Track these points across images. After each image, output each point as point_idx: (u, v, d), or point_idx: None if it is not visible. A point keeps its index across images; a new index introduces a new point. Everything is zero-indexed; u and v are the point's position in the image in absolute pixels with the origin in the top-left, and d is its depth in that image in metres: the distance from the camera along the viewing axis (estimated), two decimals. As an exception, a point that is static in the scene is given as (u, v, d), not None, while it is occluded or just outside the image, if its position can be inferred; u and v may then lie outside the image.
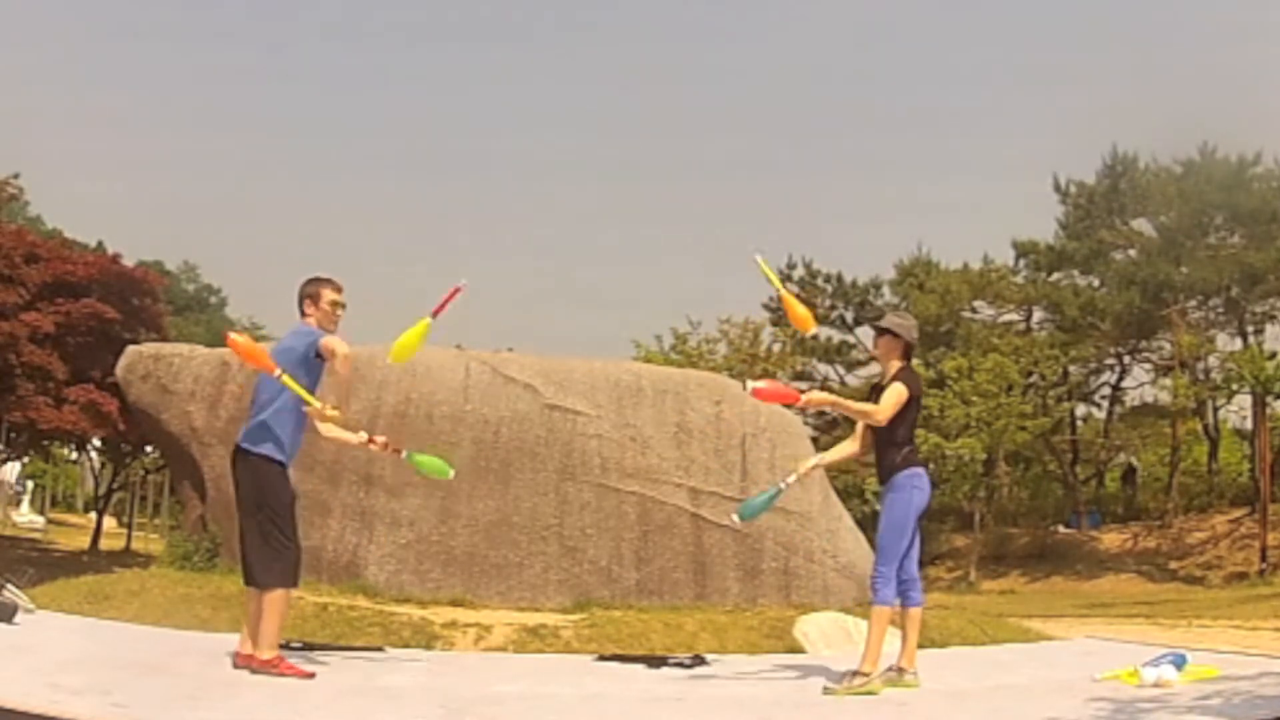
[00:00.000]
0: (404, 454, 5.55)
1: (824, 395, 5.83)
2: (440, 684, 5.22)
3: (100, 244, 26.91)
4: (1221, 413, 32.72)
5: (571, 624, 7.69)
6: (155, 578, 8.60)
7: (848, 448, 5.60)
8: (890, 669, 5.12)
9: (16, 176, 25.39)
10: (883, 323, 5.48)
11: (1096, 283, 32.74)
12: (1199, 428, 32.91)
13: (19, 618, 5.67)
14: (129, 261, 23.20)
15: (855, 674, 5.03)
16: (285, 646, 5.23)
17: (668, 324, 31.29)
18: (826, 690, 5.05)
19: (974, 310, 34.51)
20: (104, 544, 28.86)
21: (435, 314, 5.17)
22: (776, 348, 30.32)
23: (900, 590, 5.19)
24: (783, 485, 5.31)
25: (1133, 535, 29.22)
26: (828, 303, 35.71)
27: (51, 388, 20.31)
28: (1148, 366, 33.87)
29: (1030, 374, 29.92)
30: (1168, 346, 31.74)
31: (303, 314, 5.18)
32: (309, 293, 5.20)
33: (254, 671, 4.86)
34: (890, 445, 5.21)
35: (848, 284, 35.74)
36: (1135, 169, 31.78)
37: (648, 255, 75.49)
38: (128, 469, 32.31)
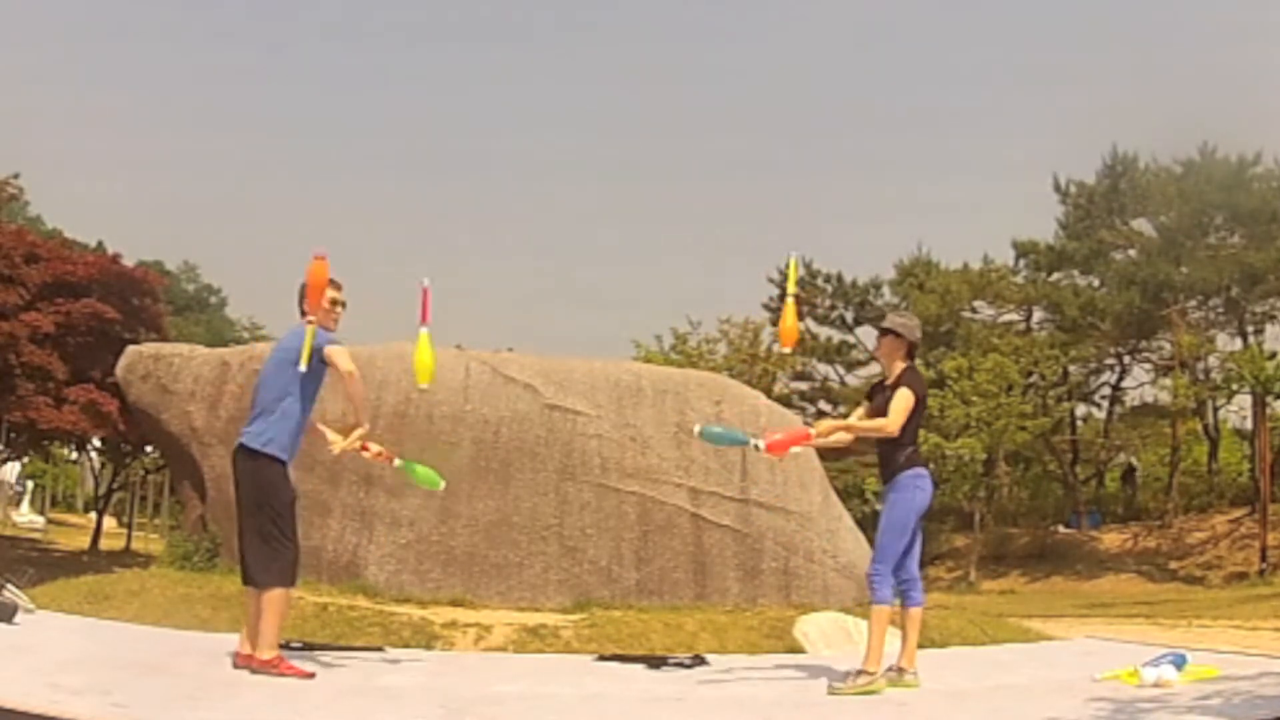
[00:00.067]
0: (396, 462, 5.56)
1: (832, 424, 5.60)
2: (440, 684, 5.22)
3: (100, 244, 26.90)
4: (1221, 413, 32.71)
5: (571, 624, 7.69)
6: (155, 578, 8.61)
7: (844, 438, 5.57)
8: (890, 669, 5.13)
9: (16, 176, 25.39)
10: (886, 323, 5.47)
11: (1096, 283, 32.70)
12: (1199, 428, 32.86)
13: (19, 618, 5.68)
14: (129, 261, 23.18)
15: (860, 673, 5.05)
16: (285, 646, 5.23)
17: (668, 324, 31.34)
18: (831, 690, 5.06)
19: (974, 310, 34.48)
20: (104, 544, 28.81)
21: (425, 321, 5.26)
22: (776, 347, 30.25)
23: (901, 590, 5.20)
24: (755, 444, 5.31)
25: (1133, 535, 29.17)
26: (828, 303, 35.72)
27: (51, 388, 20.28)
28: (1148, 366, 33.88)
29: (1030, 374, 29.87)
30: (1168, 346, 31.70)
31: (303, 313, 5.18)
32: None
33: (254, 671, 4.86)
34: (894, 445, 5.21)
35: (848, 284, 35.73)
36: (1135, 169, 31.73)
37: (648, 255, 75.51)
38: (128, 469, 32.27)
